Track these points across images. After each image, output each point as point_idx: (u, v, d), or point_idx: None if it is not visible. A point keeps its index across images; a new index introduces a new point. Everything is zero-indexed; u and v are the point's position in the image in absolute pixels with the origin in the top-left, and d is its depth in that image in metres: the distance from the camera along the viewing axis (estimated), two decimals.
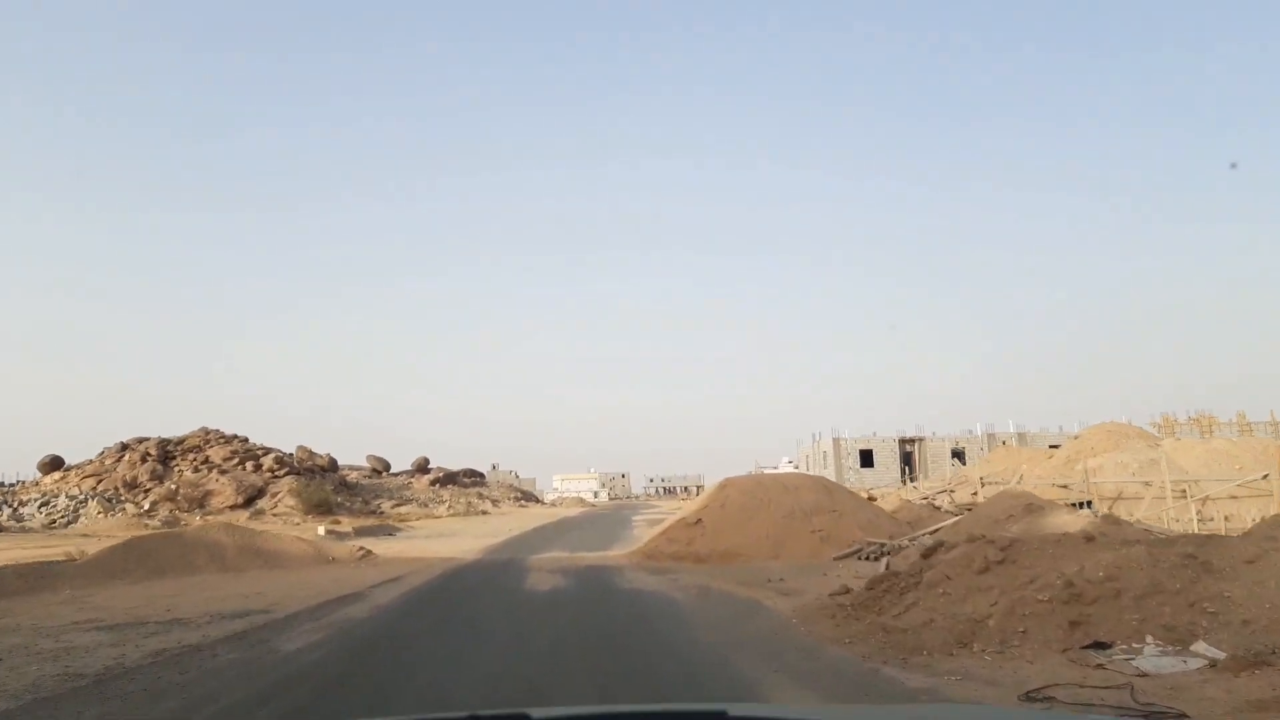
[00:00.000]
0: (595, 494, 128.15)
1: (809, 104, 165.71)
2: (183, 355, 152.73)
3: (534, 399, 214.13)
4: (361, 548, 22.81)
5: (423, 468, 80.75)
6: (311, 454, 65.60)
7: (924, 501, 27.68)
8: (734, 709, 2.06)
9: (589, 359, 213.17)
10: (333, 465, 66.77)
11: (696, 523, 21.09)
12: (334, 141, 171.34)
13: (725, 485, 23.30)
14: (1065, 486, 23.45)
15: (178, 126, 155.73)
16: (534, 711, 2.09)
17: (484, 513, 58.69)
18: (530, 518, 51.08)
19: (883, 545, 17.90)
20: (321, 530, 29.29)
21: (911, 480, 60.17)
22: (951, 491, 29.46)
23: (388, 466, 79.84)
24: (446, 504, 61.71)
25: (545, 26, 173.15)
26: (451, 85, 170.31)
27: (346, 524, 45.70)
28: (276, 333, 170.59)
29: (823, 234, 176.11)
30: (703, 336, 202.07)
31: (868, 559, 17.02)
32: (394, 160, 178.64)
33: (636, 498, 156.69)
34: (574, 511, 66.51)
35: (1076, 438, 31.07)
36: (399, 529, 39.48)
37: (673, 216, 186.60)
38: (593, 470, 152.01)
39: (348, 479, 68.80)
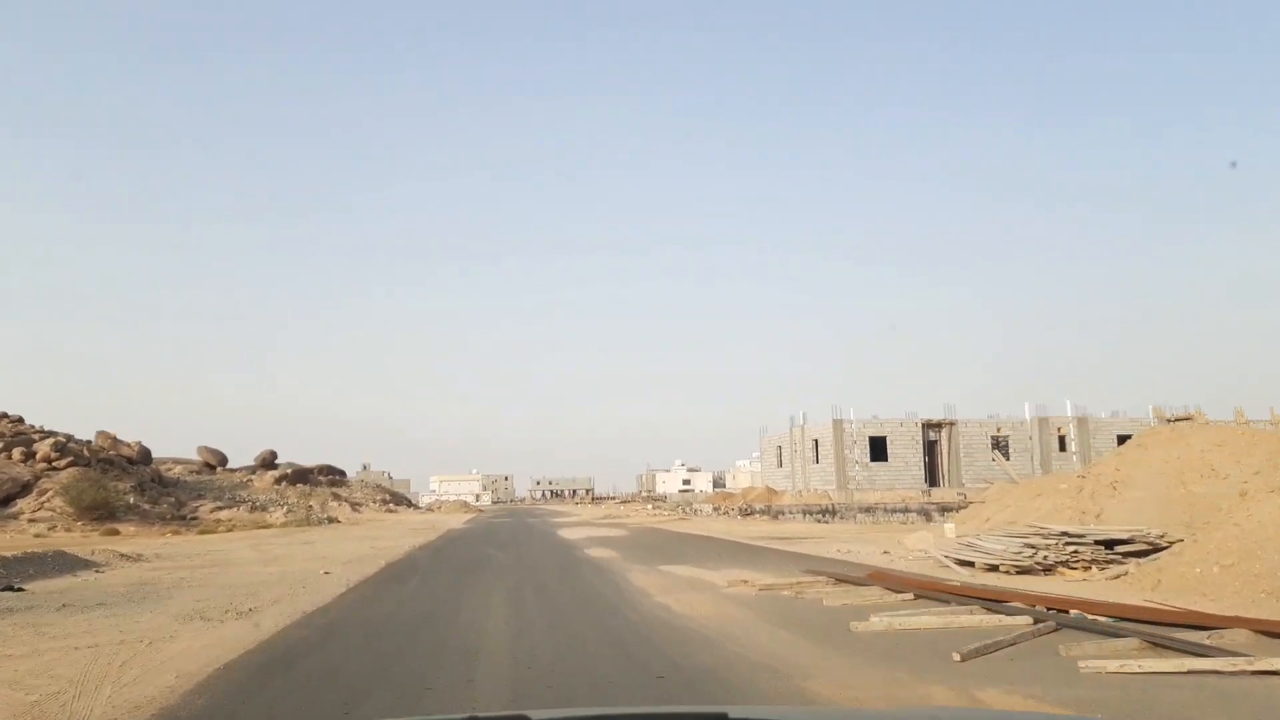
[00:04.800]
0: (478, 497, 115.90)
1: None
2: None
3: (409, 396, 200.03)
4: None
5: (268, 463, 67.30)
6: (116, 441, 51.65)
7: None
8: (734, 711, 1.93)
9: (481, 358, 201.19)
10: (144, 456, 52.90)
11: None
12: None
13: None
14: None
15: None
16: (534, 713, 2.08)
17: (331, 521, 46.09)
18: (394, 531, 36.06)
19: None
20: None
21: (931, 483, 50.57)
22: None
23: (224, 461, 66.13)
24: (286, 507, 49.00)
25: (544, 27, 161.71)
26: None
27: (130, 534, 33.60)
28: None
29: (754, 219, 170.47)
30: (605, 336, 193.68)
31: None
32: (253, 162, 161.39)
33: (522, 501, 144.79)
34: (457, 520, 51.80)
35: None
36: (99, 565, 18.20)
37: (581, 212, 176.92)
38: (475, 472, 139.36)
39: (165, 474, 55.13)
